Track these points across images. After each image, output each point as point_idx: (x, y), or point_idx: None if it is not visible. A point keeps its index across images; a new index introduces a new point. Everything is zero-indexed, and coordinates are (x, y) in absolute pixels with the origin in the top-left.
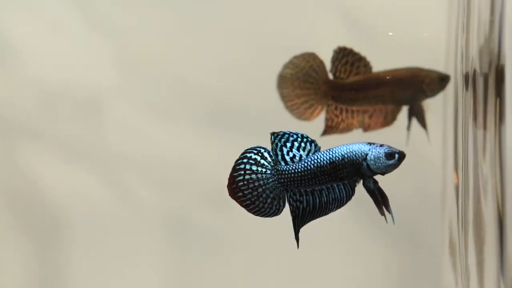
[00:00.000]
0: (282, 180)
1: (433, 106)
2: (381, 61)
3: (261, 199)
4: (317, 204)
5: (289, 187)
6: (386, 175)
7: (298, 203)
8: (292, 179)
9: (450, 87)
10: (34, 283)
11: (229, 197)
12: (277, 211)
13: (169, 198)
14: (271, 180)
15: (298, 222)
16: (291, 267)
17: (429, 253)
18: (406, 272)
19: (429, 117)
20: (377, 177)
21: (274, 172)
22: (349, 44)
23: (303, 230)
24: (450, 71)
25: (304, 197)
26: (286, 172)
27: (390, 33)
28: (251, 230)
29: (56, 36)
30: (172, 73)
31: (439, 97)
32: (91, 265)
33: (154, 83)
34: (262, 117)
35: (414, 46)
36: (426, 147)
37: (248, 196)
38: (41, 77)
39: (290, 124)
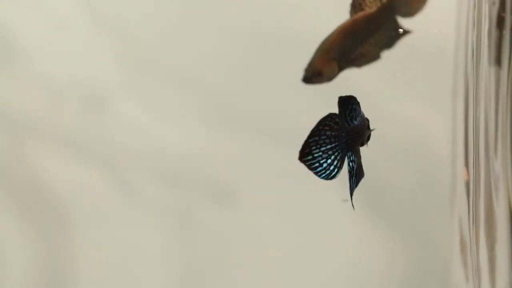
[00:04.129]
0: (349, 141)
1: (443, 101)
2: (390, 59)
3: (329, 161)
4: (360, 164)
5: (351, 146)
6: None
7: (353, 163)
8: (354, 137)
9: (460, 83)
10: (41, 278)
11: (235, 192)
12: (337, 172)
13: (175, 194)
14: (340, 142)
15: (353, 182)
16: (296, 263)
17: (438, 250)
18: (415, 269)
19: (439, 112)
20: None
21: (343, 133)
22: None
23: (308, 226)
24: (460, 68)
25: (355, 157)
26: (352, 131)
27: (400, 30)
28: (258, 225)
29: (61, 33)
30: (178, 70)
31: (449, 92)
32: (97, 260)
33: (160, 79)
34: (268, 113)
35: (423, 43)
36: (435, 142)
37: (318, 159)
38: (47, 74)
39: (292, 120)
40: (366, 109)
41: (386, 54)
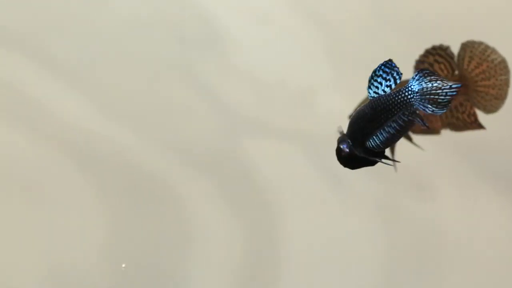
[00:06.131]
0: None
1: None
2: None
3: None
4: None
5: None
6: None
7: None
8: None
9: None
10: (246, 263)
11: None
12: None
13: (380, 186)
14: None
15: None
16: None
17: None
18: None
19: None
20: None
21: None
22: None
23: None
24: None
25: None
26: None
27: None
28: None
29: (266, 27)
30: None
31: None
32: (301, 248)
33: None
34: None
35: None
36: None
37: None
38: (257, 66)
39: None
40: None
41: None
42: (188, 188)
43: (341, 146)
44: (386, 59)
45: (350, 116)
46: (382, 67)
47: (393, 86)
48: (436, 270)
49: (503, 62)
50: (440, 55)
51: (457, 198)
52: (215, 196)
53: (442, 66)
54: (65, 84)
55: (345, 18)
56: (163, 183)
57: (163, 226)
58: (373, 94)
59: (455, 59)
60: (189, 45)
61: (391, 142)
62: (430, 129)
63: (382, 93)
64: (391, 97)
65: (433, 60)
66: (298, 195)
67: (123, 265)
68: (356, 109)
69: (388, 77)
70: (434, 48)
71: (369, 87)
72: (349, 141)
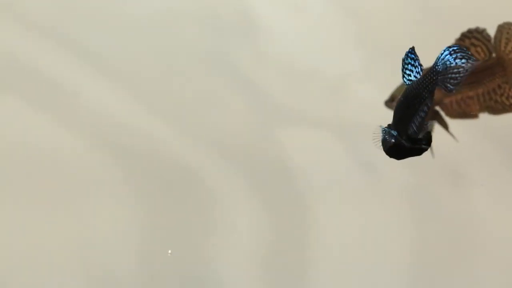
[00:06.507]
0: None
1: None
2: None
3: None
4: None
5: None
6: None
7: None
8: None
9: None
10: (277, 254)
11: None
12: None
13: (413, 175)
14: None
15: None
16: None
17: None
18: None
19: None
20: None
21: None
22: None
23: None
24: None
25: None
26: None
27: None
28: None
29: (299, 15)
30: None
31: None
32: (334, 239)
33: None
34: None
35: None
36: None
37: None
38: (289, 54)
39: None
40: None
41: None
42: (221, 179)
43: (386, 137)
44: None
45: (386, 102)
46: (408, 54)
47: (421, 72)
48: (469, 263)
49: None
50: (477, 38)
51: (493, 188)
52: (248, 186)
53: (479, 49)
54: (99, 75)
55: (377, 6)
56: (196, 174)
57: (195, 217)
58: (407, 82)
59: (492, 41)
60: (223, 35)
61: (423, 127)
62: (467, 113)
63: (415, 79)
64: (420, 82)
65: (470, 44)
66: (331, 185)
67: (169, 251)
68: (391, 95)
69: (415, 64)
70: (470, 31)
71: (403, 76)
72: (394, 131)
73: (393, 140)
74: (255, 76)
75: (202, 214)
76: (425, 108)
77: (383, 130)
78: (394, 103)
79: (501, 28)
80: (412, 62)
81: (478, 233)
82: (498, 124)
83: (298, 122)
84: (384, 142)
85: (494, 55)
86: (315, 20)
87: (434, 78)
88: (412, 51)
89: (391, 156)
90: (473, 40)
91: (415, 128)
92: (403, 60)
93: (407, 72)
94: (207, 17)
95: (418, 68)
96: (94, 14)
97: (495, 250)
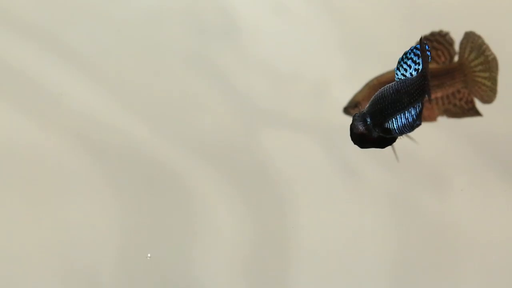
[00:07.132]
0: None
1: None
2: None
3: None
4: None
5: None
6: None
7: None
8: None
9: None
10: (260, 254)
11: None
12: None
13: (394, 177)
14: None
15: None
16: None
17: None
18: None
19: None
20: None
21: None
22: None
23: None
24: None
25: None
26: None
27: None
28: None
29: (282, 18)
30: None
31: None
32: (315, 240)
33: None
34: None
35: None
36: None
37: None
38: (268, 58)
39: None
40: None
41: None
42: (201, 180)
43: (358, 124)
44: (415, 44)
45: (345, 109)
46: (414, 50)
47: (418, 71)
48: (450, 267)
49: (494, 60)
50: (438, 42)
51: (473, 193)
52: (228, 188)
53: (440, 53)
54: (81, 75)
55: (360, 9)
56: (176, 175)
57: (175, 218)
58: (400, 76)
59: (454, 45)
60: (205, 36)
61: (408, 128)
62: (425, 116)
63: (410, 76)
64: (415, 81)
65: (431, 47)
66: (312, 188)
67: (148, 255)
68: (351, 101)
69: (418, 61)
70: (432, 34)
71: (398, 69)
72: (368, 119)
73: (363, 128)
74: (238, 78)
75: (182, 216)
76: (418, 108)
77: (356, 115)
78: (356, 109)
79: (468, 36)
80: (415, 59)
81: (459, 237)
82: (479, 129)
83: (280, 124)
84: (354, 128)
85: (456, 59)
86: (298, 23)
87: (426, 82)
88: (419, 47)
89: (355, 143)
90: (435, 44)
91: (396, 126)
92: (406, 53)
93: (405, 66)
94: (190, 20)
95: (419, 66)
96: (77, 15)
97: (476, 253)
